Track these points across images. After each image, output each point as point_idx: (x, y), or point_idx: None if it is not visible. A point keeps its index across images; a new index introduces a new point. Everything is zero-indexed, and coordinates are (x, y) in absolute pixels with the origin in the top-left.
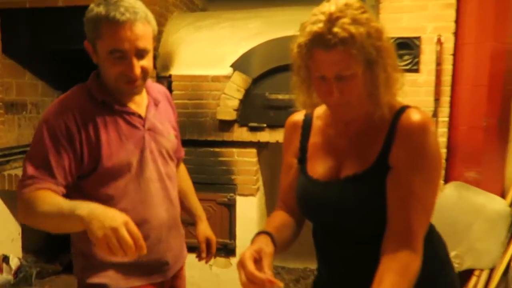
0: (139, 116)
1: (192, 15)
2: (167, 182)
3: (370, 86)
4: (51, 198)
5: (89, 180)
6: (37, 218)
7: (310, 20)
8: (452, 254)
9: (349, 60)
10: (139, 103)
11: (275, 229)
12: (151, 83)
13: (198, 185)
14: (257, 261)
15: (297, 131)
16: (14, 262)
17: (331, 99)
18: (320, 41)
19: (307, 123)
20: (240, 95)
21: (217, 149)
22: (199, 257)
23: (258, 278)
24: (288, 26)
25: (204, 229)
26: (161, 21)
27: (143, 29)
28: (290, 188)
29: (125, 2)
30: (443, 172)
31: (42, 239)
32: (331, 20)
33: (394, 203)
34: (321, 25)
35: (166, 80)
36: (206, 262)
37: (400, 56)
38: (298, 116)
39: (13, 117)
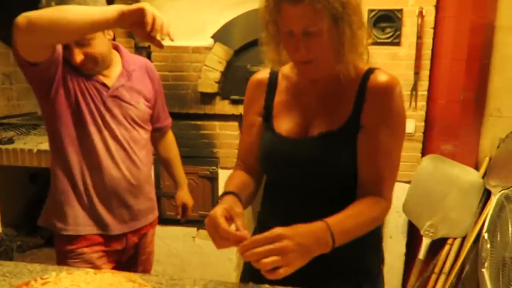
0: (104, 84)
1: None
2: (131, 144)
3: (336, 43)
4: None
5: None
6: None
7: None
8: (427, 223)
9: (315, 15)
10: (107, 75)
11: (238, 189)
12: (130, 56)
13: (180, 158)
14: (228, 220)
15: (261, 89)
16: None
17: (298, 55)
18: None
19: (273, 81)
20: (221, 67)
21: (198, 122)
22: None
23: (233, 235)
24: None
25: (183, 195)
26: None
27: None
28: (250, 147)
29: None
30: (420, 145)
31: (22, 213)
32: None
33: (365, 158)
34: None
35: (145, 51)
36: (182, 222)
37: (382, 29)
38: (262, 75)
39: None
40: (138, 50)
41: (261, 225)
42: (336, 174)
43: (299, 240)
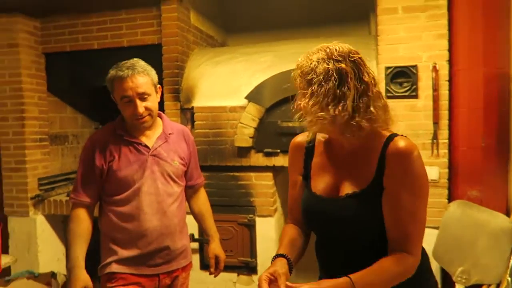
0: (145, 146)
1: (211, 51)
2: (163, 197)
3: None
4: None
5: (108, 186)
6: None
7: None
8: (459, 269)
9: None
10: (149, 136)
11: (287, 247)
12: (169, 122)
13: (220, 207)
14: (273, 281)
15: (301, 151)
16: (60, 278)
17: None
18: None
19: (311, 144)
20: (255, 124)
21: (236, 174)
22: (209, 271)
23: None
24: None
25: (214, 247)
26: (184, 58)
27: (142, 80)
28: (296, 202)
29: (128, 63)
30: (446, 192)
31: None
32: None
33: (390, 217)
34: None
35: (189, 112)
36: (215, 276)
37: (400, 84)
38: (301, 138)
39: (57, 147)
40: (183, 111)
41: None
42: (362, 230)
43: None
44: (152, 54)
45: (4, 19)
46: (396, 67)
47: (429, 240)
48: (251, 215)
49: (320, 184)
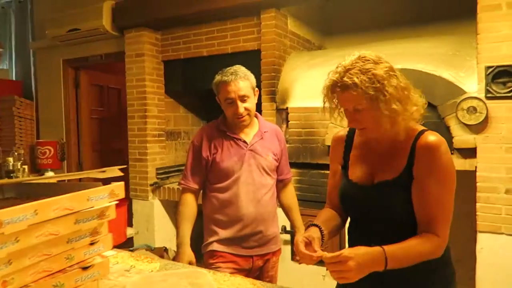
0: (244, 141)
1: (307, 54)
2: (258, 187)
3: (377, 115)
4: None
5: (211, 175)
6: None
7: (333, 71)
8: None
9: (358, 98)
10: (248, 133)
11: (322, 222)
12: (264, 122)
13: (311, 202)
14: (308, 244)
15: (341, 144)
16: (171, 253)
17: (353, 124)
18: (336, 86)
19: (350, 138)
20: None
21: (326, 171)
22: (294, 259)
23: (306, 254)
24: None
25: (298, 238)
26: (280, 62)
27: (243, 84)
28: (334, 189)
29: (231, 69)
30: None
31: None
32: (345, 71)
33: (419, 203)
34: (337, 75)
35: (284, 112)
36: (299, 263)
37: (503, 84)
38: (342, 132)
39: (171, 142)
40: (278, 111)
41: None
42: (391, 214)
43: (359, 260)
44: (252, 59)
45: (133, 34)
46: (498, 66)
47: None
48: None
49: (357, 173)
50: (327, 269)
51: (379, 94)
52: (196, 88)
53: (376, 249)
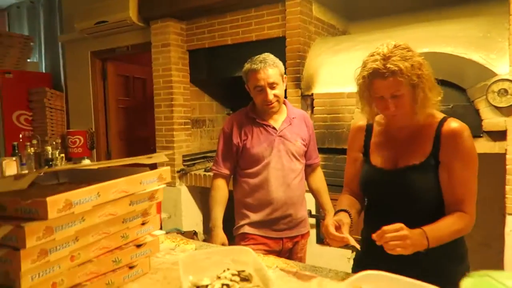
0: (273, 128)
1: (332, 40)
2: (287, 172)
3: (413, 101)
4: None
5: (242, 161)
6: None
7: (370, 59)
8: None
9: (399, 85)
10: (276, 119)
11: (348, 206)
12: (292, 108)
13: (337, 187)
14: (337, 228)
15: (361, 132)
16: (200, 237)
17: (389, 112)
18: (378, 74)
19: (369, 127)
20: None
21: None
22: (325, 241)
23: (338, 236)
24: (419, 43)
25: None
26: (305, 49)
27: (272, 71)
28: (354, 177)
29: (260, 57)
30: None
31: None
32: (385, 58)
33: (447, 185)
34: (378, 62)
35: (309, 98)
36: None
37: None
38: (362, 122)
39: (196, 130)
40: (303, 97)
41: (364, 241)
42: (418, 197)
43: (411, 235)
44: (277, 46)
45: (158, 24)
46: None
47: None
48: None
49: (379, 159)
50: (378, 241)
51: (419, 81)
52: (220, 77)
53: (418, 230)
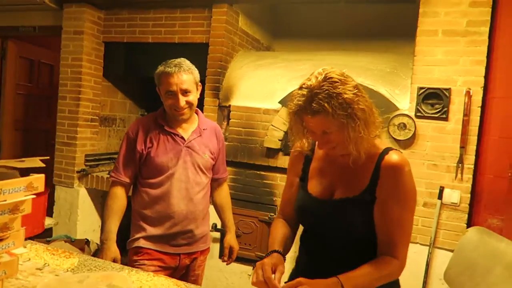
0: (182, 137)
1: (255, 54)
2: (192, 184)
3: (345, 137)
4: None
5: (144, 169)
6: None
7: (297, 94)
8: None
9: (328, 123)
10: (186, 129)
11: (280, 243)
12: (204, 119)
13: (244, 202)
14: (272, 272)
15: (301, 156)
16: (93, 246)
17: (320, 146)
18: (305, 111)
19: (311, 150)
20: (285, 128)
21: (263, 173)
22: (222, 259)
23: (273, 283)
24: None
25: (230, 238)
26: (227, 59)
27: (186, 77)
28: (289, 202)
29: (175, 61)
30: (466, 217)
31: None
32: (312, 95)
33: (380, 224)
34: (304, 99)
35: (226, 109)
36: (227, 264)
37: (432, 105)
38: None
39: (105, 129)
40: (221, 108)
41: (297, 267)
42: (351, 232)
43: (313, 283)
44: (199, 52)
45: (73, 9)
46: (429, 88)
47: (443, 262)
48: (272, 214)
49: (316, 186)
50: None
51: (350, 120)
52: (137, 75)
53: (332, 279)
